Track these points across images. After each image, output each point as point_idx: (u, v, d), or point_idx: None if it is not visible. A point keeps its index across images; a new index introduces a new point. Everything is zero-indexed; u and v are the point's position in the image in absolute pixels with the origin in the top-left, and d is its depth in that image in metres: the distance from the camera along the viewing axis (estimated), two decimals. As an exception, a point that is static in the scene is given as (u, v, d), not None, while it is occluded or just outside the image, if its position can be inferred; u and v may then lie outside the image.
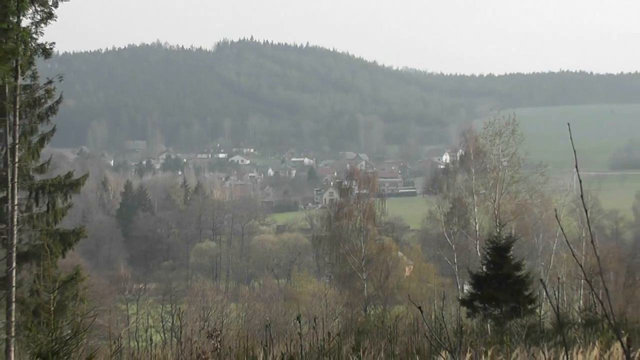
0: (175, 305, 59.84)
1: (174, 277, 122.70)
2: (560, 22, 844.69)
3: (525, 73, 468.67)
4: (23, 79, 49.49)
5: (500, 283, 32.50)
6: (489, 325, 30.38)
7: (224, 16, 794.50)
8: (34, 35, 49.16)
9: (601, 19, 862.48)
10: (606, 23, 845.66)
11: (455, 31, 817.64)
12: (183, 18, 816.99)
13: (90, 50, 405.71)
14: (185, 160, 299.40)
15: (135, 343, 36.97)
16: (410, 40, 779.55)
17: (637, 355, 16.18)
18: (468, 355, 19.04)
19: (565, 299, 49.12)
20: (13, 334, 46.35)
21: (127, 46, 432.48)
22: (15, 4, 47.75)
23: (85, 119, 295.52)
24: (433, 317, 31.54)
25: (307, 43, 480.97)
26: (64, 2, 49.22)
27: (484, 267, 34.86)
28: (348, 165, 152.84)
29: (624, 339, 6.54)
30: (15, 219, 48.05)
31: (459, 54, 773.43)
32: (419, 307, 11.07)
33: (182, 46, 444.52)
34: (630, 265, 78.88)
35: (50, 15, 49.16)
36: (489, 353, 19.01)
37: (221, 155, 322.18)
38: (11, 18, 47.81)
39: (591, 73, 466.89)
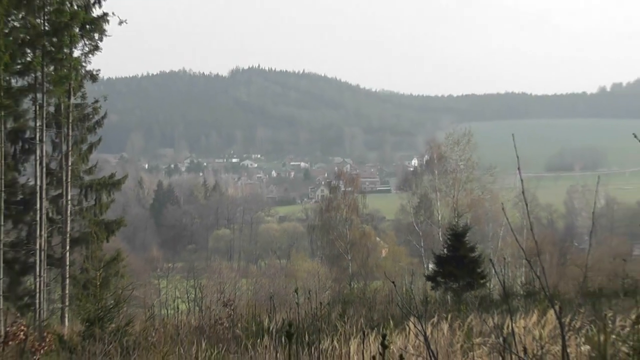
0: (197, 280, 59.63)
1: (196, 257, 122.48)
2: (504, 50, 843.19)
3: (478, 94, 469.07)
4: (75, 98, 49.62)
5: (458, 262, 32.49)
6: (449, 296, 30.35)
7: (237, 48, 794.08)
8: (84, 64, 49.22)
9: (539, 48, 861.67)
10: (542, 52, 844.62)
11: (421, 60, 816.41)
12: (203, 50, 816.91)
13: (129, 76, 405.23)
14: (205, 164, 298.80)
15: (165, 311, 36.79)
16: (386, 67, 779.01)
17: (567, 320, 16.17)
18: (432, 320, 19.00)
19: (509, 275, 49.11)
20: (67, 303, 46.33)
21: (158, 72, 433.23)
22: (69, 38, 47.73)
23: (125, 131, 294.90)
24: (404, 290, 31.44)
25: (304, 69, 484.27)
26: (107, 36, 49.33)
27: (445, 249, 34.85)
28: (336, 167, 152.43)
29: (557, 307, 6.53)
30: (68, 211, 48.12)
31: (425, 78, 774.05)
32: (393, 282, 11.06)
33: (203, 72, 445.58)
34: (562, 248, 79.19)
35: (96, 47, 49.18)
36: (449, 318, 18.96)
37: (234, 160, 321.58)
38: (65, 50, 47.87)
39: (530, 94, 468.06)
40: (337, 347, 16.81)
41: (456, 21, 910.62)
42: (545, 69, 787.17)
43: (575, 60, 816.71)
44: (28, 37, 47.23)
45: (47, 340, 19.65)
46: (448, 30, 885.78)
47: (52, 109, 48.97)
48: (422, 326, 16.38)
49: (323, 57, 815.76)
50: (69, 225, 48.25)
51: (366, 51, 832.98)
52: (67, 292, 47.15)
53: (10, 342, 13.44)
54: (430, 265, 42.92)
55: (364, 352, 15.05)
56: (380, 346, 5.30)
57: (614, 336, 13.34)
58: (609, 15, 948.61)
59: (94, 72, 50.36)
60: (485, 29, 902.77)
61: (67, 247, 47.93)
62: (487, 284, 32.03)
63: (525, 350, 6.53)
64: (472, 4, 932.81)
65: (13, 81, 48.35)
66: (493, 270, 32.35)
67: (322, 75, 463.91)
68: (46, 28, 47.54)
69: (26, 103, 49.53)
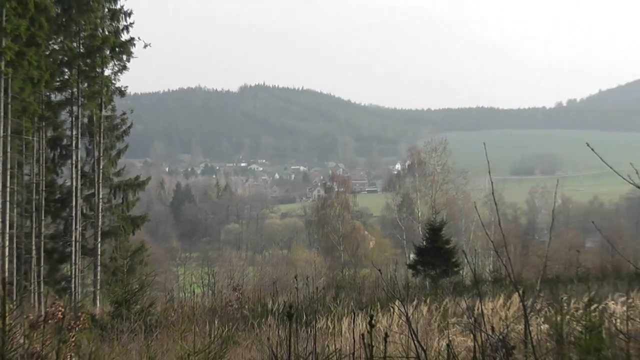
0: (210, 268, 59.24)
1: (210, 248, 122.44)
2: (475, 70, 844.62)
3: (452, 108, 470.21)
4: (105, 111, 49.70)
5: (435, 253, 32.47)
6: (427, 282, 30.31)
7: (245, 68, 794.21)
8: (113, 81, 49.42)
9: (504, 69, 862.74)
10: (507, 72, 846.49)
11: (404, 79, 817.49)
12: (216, 69, 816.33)
13: (152, 91, 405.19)
14: (217, 167, 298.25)
15: (183, 294, 36.65)
16: (373, 84, 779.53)
17: (529, 303, 16.15)
18: (413, 303, 18.96)
19: (479, 264, 48.98)
20: (98, 287, 46.34)
21: (177, 89, 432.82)
22: (101, 59, 47.83)
23: (148, 139, 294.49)
24: (389, 276, 31.32)
25: (303, 86, 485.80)
26: (133, 58, 49.42)
27: (424, 241, 34.85)
28: (330, 171, 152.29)
29: (520, 292, 6.50)
30: (100, 208, 48.18)
31: (407, 94, 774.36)
32: (379, 270, 11.07)
33: (215, 89, 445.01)
34: (525, 241, 79.27)
35: (124, 67, 49.30)
36: (427, 301, 18.94)
37: (242, 164, 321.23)
38: (98, 69, 48.02)
39: (498, 108, 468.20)
40: (331, 325, 16.79)
41: (434, 46, 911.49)
42: (510, 87, 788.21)
43: (535, 79, 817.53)
44: (66, 58, 47.32)
45: (81, 319, 19.57)
46: (427, 54, 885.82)
47: (86, 120, 49.13)
48: (404, 308, 16.33)
49: (319, 75, 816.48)
50: (100, 220, 48.31)
51: (356, 71, 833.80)
52: (98, 277, 47.20)
53: (49, 321, 13.40)
54: (412, 255, 42.99)
55: (354, 330, 15.02)
56: (368, 325, 5.26)
57: (569, 317, 13.31)
58: (564, 43, 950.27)
59: (122, 89, 50.55)
60: (459, 52, 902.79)
61: (99, 239, 48.01)
62: (460, 272, 32.05)
63: (493, 328, 6.49)
64: (448, 33, 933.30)
65: (52, 96, 48.49)
66: (465, 260, 32.29)
67: (319, 91, 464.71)
68: (81, 50, 47.62)
69: (64, 115, 49.72)
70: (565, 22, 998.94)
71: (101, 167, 48.84)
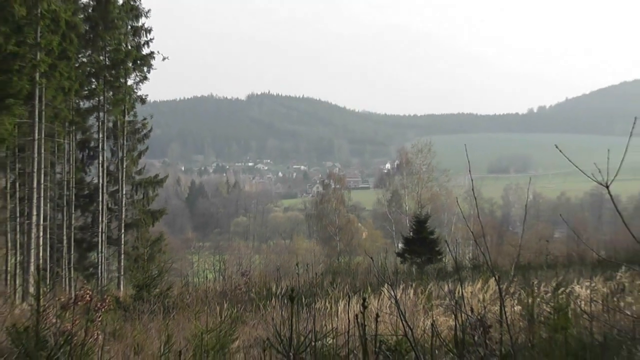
0: (221, 255, 59.33)
1: (221, 238, 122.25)
2: (456, 79, 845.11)
3: (436, 114, 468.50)
4: (128, 117, 49.75)
5: (421, 242, 32.46)
6: (414, 268, 30.30)
7: (252, 78, 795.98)
8: (135, 90, 49.45)
9: (483, 78, 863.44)
10: (485, 81, 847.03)
11: (393, 87, 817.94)
12: (226, 79, 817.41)
13: (169, 99, 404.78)
14: (227, 167, 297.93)
15: (197, 279, 36.67)
16: (366, 93, 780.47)
17: (504, 287, 16.15)
18: (401, 287, 18.95)
19: (460, 252, 48.99)
20: (122, 273, 46.33)
21: (192, 97, 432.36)
22: (124, 71, 47.90)
23: (166, 142, 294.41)
24: (380, 263, 31.28)
25: (303, 94, 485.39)
26: (153, 69, 49.49)
27: (411, 232, 34.82)
28: (327, 170, 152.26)
29: (496, 277, 6.50)
30: (123, 203, 48.18)
31: (396, 101, 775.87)
32: (371, 258, 11.10)
33: (225, 97, 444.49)
34: (500, 232, 79.28)
35: (145, 78, 49.39)
36: (414, 285, 18.92)
37: (250, 164, 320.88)
38: (121, 80, 48.06)
39: (476, 114, 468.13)
40: (328, 307, 16.77)
41: (420, 58, 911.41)
42: (488, 95, 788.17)
43: (509, 88, 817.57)
44: (93, 70, 47.36)
45: (107, 301, 19.57)
46: (413, 65, 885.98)
47: (111, 124, 49.15)
48: (393, 291, 16.31)
49: (318, 84, 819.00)
50: (123, 213, 48.31)
51: (351, 80, 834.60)
52: (122, 264, 47.21)
53: (79, 303, 13.40)
54: (400, 245, 42.93)
55: (349, 311, 14.99)
56: (361, 307, 5.25)
57: (539, 299, 13.31)
58: (536, 55, 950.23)
59: (143, 97, 50.57)
60: (442, 64, 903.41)
61: (122, 230, 48.03)
62: (443, 259, 32.03)
63: (472, 309, 6.48)
64: (433, 47, 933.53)
65: (81, 103, 48.65)
66: (447, 249, 32.33)
67: (317, 99, 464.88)
68: (107, 63, 47.64)
69: (91, 120, 49.81)
70: (537, 36, 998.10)
71: (124, 166, 48.89)
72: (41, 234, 41.90)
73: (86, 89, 47.51)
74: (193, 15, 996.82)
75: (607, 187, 4.44)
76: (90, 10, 46.98)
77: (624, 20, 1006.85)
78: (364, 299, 5.66)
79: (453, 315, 11.50)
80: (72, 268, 45.81)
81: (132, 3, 48.73)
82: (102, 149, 47.99)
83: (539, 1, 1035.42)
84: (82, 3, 46.80)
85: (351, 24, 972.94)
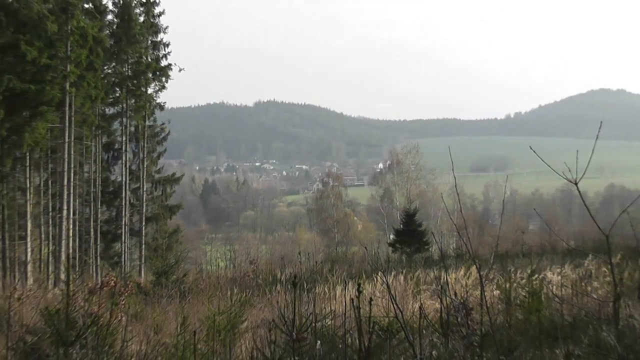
0: (231, 246, 59.27)
1: (231, 230, 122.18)
2: (441, 87, 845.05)
3: (424, 119, 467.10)
4: (148, 122, 49.74)
5: (410, 234, 32.44)
6: (404, 257, 30.29)
7: (259, 87, 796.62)
8: (154, 98, 49.43)
9: (465, 86, 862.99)
10: (467, 89, 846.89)
11: (385, 95, 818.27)
12: (236, 88, 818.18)
13: (185, 106, 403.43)
14: (237, 166, 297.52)
15: (210, 267, 36.68)
16: (361, 100, 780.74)
17: (484, 273, 16.16)
18: (392, 274, 18.95)
19: (445, 243, 48.98)
20: (143, 261, 46.34)
21: (205, 104, 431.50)
22: (145, 81, 47.94)
23: (182, 144, 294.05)
24: (373, 253, 31.27)
25: (305, 102, 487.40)
26: (170, 79, 49.54)
27: (401, 225, 34.78)
28: (326, 169, 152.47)
29: (477, 264, 6.50)
30: (144, 199, 48.17)
31: (388, 107, 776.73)
32: (365, 247, 11.12)
33: (235, 104, 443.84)
34: (481, 224, 79.24)
35: (163, 87, 49.44)
36: (404, 272, 18.93)
37: (257, 164, 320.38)
38: (142, 89, 48.09)
39: (459, 119, 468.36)
40: (327, 291, 16.76)
41: (409, 68, 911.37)
42: (469, 102, 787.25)
43: (489, 96, 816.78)
44: (117, 80, 47.35)
45: (129, 286, 19.58)
46: (404, 75, 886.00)
47: (133, 129, 49.13)
48: (385, 277, 16.30)
49: (318, 92, 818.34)
50: (144, 208, 48.31)
51: (347, 89, 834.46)
52: (143, 253, 47.24)
53: (104, 288, 13.40)
54: (391, 236, 42.98)
55: (345, 295, 15.01)
56: (356, 291, 5.24)
57: (515, 284, 13.31)
58: (512, 65, 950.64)
59: (162, 104, 50.59)
60: (430, 73, 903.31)
61: (143, 223, 48.04)
62: (430, 249, 31.99)
63: (455, 294, 6.47)
64: (420, 58, 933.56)
65: (107, 110, 48.68)
66: (434, 239, 32.27)
67: (317, 105, 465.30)
68: (129, 74, 47.63)
69: (115, 125, 49.77)
70: (514, 48, 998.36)
71: (145, 166, 48.93)
72: (71, 226, 42.02)
73: (111, 97, 47.57)
74: (207, 29, 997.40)
75: (576, 184, 4.44)
76: (114, 27, 47.04)
77: (591, 35, 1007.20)
78: (359, 285, 5.65)
79: (439, 299, 11.50)
80: (98, 257, 45.86)
81: (152, 20, 48.78)
82: (125, 150, 47.98)
83: (516, 17, 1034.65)
84: (108, 20, 46.86)
85: (348, 38, 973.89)
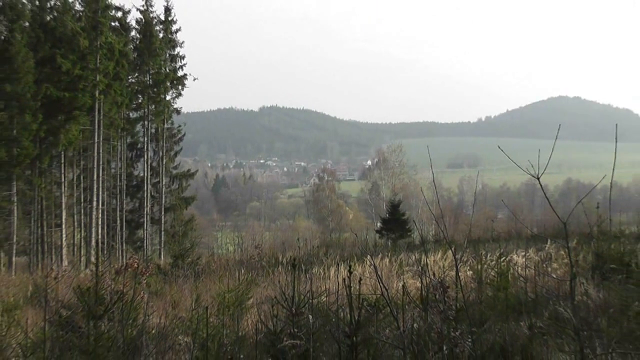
0: (239, 232, 59.23)
1: (239, 219, 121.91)
2: (422, 94, 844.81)
3: (407, 122, 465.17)
4: (167, 124, 49.67)
5: (395, 222, 32.44)
6: (389, 242, 30.30)
7: (263, 93, 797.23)
8: (172, 104, 49.39)
9: (442, 93, 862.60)
10: (445, 96, 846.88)
11: (373, 100, 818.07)
12: (244, 94, 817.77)
13: (199, 111, 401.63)
14: (244, 163, 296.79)
15: (220, 251, 36.69)
16: (352, 105, 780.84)
17: (459, 256, 16.17)
18: (379, 257, 18.94)
19: (425, 230, 49.01)
20: (162, 246, 46.29)
21: (216, 109, 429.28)
22: (163, 89, 47.93)
23: (196, 143, 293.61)
24: (363, 238, 31.29)
25: (303, 107, 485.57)
26: (186, 87, 49.58)
27: (387, 214, 34.77)
28: (322, 166, 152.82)
29: (453, 248, 6.49)
30: (163, 191, 48.14)
31: (375, 112, 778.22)
32: (355, 234, 11.13)
33: (243, 108, 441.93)
34: (456, 214, 79.14)
35: (179, 94, 49.47)
36: (389, 255, 18.92)
37: (261, 161, 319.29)
38: (161, 95, 48.06)
39: (437, 122, 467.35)
40: (322, 272, 16.76)
41: (394, 77, 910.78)
42: (447, 107, 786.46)
43: (463, 101, 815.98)
44: (139, 88, 47.32)
45: (150, 267, 19.55)
46: (389, 83, 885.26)
47: (153, 130, 49.04)
48: (373, 260, 16.31)
49: (314, 98, 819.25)
50: (163, 199, 48.28)
51: (340, 95, 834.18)
52: (162, 239, 47.21)
53: (129, 269, 13.39)
54: (378, 224, 42.98)
55: (338, 275, 15.01)
56: (348, 272, 5.24)
57: (486, 266, 13.33)
58: (483, 73, 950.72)
59: (178, 109, 50.54)
60: (412, 81, 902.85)
61: (162, 213, 48.00)
62: (412, 235, 32.00)
63: (434, 274, 6.47)
64: (405, 68, 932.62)
65: (130, 114, 48.62)
66: (415, 227, 32.29)
67: (314, 110, 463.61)
68: (150, 83, 47.58)
69: (138, 127, 49.68)
70: (485, 59, 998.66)
71: (164, 163, 48.89)
72: (100, 215, 42.06)
73: (134, 103, 47.58)
74: (218, 43, 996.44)
75: (538, 178, 4.45)
76: (137, 42, 47.05)
77: (551, 48, 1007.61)
78: (350, 266, 5.66)
79: (419, 279, 11.51)
80: (123, 242, 45.86)
81: (169, 36, 48.77)
82: (147, 149, 47.99)
83: (486, 33, 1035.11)
84: (132, 36, 46.89)
85: (341, 51, 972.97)
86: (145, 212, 47.18)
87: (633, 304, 6.86)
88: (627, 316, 6.69)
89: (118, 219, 45.56)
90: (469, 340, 5.56)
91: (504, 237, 25.18)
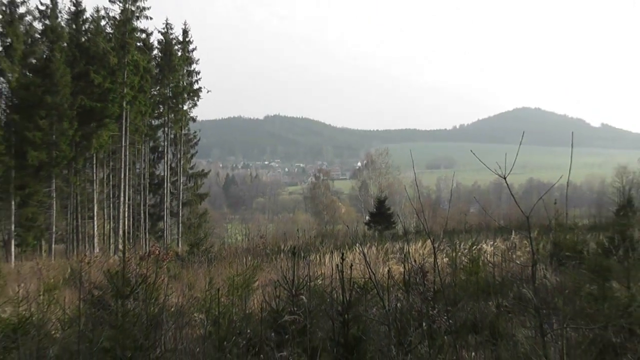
0: (246, 224, 59.23)
1: (246, 213, 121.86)
2: (405, 104, 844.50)
3: (391, 129, 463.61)
4: (184, 131, 49.47)
5: (381, 216, 32.37)
6: (376, 233, 30.29)
7: (267, 103, 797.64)
8: (189, 113, 49.18)
9: (423, 103, 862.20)
10: (425, 106, 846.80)
11: (363, 110, 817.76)
12: (251, 104, 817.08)
13: (212, 119, 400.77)
14: (251, 164, 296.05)
15: (230, 240, 36.73)
16: (345, 113, 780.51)
17: (437, 245, 16.20)
18: (367, 245, 18.95)
19: (407, 222, 49.05)
20: (180, 236, 46.20)
21: (227, 117, 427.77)
22: (181, 100, 47.89)
23: (209, 147, 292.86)
24: (353, 230, 31.29)
25: (302, 115, 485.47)
26: (200, 99, 49.48)
27: (374, 208, 34.74)
28: (318, 167, 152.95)
29: (431, 239, 6.50)
30: (180, 189, 48.07)
31: (364, 120, 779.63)
32: (347, 226, 11.14)
33: (250, 117, 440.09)
34: (434, 208, 79.11)
35: (195, 104, 49.40)
36: (376, 244, 18.94)
37: (266, 162, 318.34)
38: (180, 106, 47.98)
39: (418, 129, 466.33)
40: (318, 259, 16.76)
41: (380, 89, 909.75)
42: (426, 115, 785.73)
43: (439, 111, 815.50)
44: (160, 99, 47.28)
45: (170, 254, 19.56)
46: (378, 93, 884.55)
47: (172, 136, 48.94)
48: (362, 248, 16.29)
49: (312, 108, 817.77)
50: (181, 195, 48.23)
51: (334, 105, 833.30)
52: (180, 230, 47.15)
53: (151, 255, 13.40)
54: (367, 217, 43.01)
55: (332, 261, 15.02)
56: (340, 259, 5.25)
57: (460, 253, 13.36)
58: (457, 86, 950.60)
59: (194, 117, 50.43)
60: (397, 92, 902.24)
61: (180, 207, 47.92)
62: (395, 227, 31.98)
63: (415, 260, 6.48)
64: (391, 80, 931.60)
65: (153, 122, 48.47)
66: (399, 220, 32.30)
67: (311, 118, 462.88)
68: (170, 95, 47.56)
69: (159, 133, 49.54)
70: (459, 74, 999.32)
71: (181, 164, 48.82)
72: (126, 209, 42.07)
73: (156, 112, 47.51)
74: (230, 59, 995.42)
75: (505, 178, 4.46)
76: (159, 60, 46.99)
77: (515, 65, 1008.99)
78: (342, 254, 5.67)
79: (402, 264, 11.52)
80: (146, 232, 45.81)
81: (187, 55, 48.70)
82: (167, 152, 47.93)
83: (458, 51, 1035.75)
84: (154, 54, 46.79)
85: (334, 65, 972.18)
86: (165, 206, 47.15)
87: (584, 286, 6.89)
88: (580, 296, 6.72)
89: (142, 212, 45.55)
90: (445, 317, 5.57)
91: (475, 228, 25.19)
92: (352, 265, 5.33)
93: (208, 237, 25.77)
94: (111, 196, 43.00)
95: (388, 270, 6.65)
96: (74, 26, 39.99)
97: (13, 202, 34.90)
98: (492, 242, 17.70)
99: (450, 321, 5.62)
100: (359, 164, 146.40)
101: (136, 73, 41.44)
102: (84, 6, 40.67)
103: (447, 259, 13.08)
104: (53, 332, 7.43)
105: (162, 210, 47.56)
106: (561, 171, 5.77)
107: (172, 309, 8.39)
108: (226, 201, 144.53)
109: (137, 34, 42.77)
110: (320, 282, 8.77)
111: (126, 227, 42.16)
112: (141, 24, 44.77)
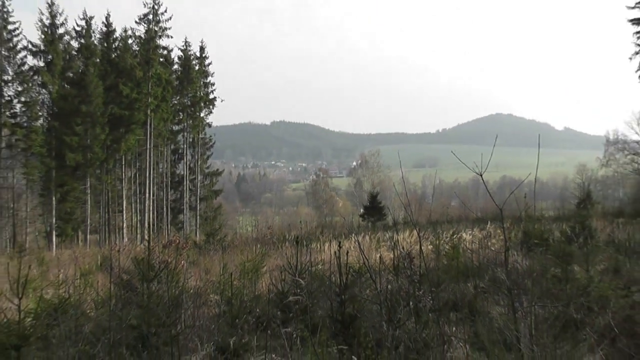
0: (256, 217, 59.24)
1: (256, 206, 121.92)
2: (393, 110, 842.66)
3: (383, 132, 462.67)
4: (201, 135, 49.29)
5: (374, 209, 32.39)
6: (369, 224, 30.27)
7: (274, 110, 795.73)
8: (205, 119, 49.01)
9: (409, 110, 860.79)
10: (412, 112, 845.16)
11: (357, 117, 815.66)
12: (259, 111, 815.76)
13: (225, 124, 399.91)
14: (259, 164, 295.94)
15: (241, 231, 36.74)
16: (341, 118, 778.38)
17: (422, 234, 16.20)
18: (362, 235, 18.94)
19: (396, 214, 49.08)
20: (197, 227, 46.16)
21: (238, 123, 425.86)
22: (199, 108, 47.76)
23: (223, 149, 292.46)
24: (349, 221, 31.31)
25: (304, 121, 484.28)
26: (215, 107, 49.37)
27: (368, 203, 34.71)
28: (319, 166, 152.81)
29: (417, 229, 6.51)
30: (198, 186, 47.92)
31: (359, 125, 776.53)
32: (344, 218, 11.16)
33: (258, 123, 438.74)
34: (420, 202, 79.18)
35: (210, 112, 49.24)
36: (369, 234, 18.94)
37: (272, 163, 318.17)
38: (197, 113, 47.80)
39: (407, 133, 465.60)
40: (319, 247, 16.77)
41: (372, 96, 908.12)
42: (413, 120, 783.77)
43: (425, 116, 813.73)
44: (180, 108, 47.10)
45: (189, 243, 19.57)
46: (371, 100, 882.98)
47: (191, 140, 48.79)
48: (357, 237, 16.28)
49: (313, 114, 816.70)
50: (198, 192, 48.11)
51: (332, 111, 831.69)
52: (197, 222, 47.06)
53: (172, 244, 13.43)
54: (361, 210, 42.97)
55: (331, 249, 15.02)
56: (338, 247, 5.26)
57: (442, 241, 13.37)
58: (439, 93, 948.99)
59: (210, 123, 50.25)
60: (387, 100, 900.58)
61: (198, 202, 47.83)
62: (386, 219, 31.97)
63: (403, 248, 6.49)
64: (381, 88, 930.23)
65: (174, 127, 48.26)
66: (389, 212, 32.28)
67: (313, 124, 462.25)
68: (188, 103, 47.42)
69: (179, 137, 49.36)
70: (441, 83, 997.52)
71: (199, 164, 48.72)
72: (151, 204, 42.10)
73: (176, 119, 47.38)
74: (241, 72, 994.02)
75: (481, 175, 4.47)
76: (179, 73, 46.85)
77: (490, 74, 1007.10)
78: (340, 242, 5.70)
79: (392, 251, 11.53)
80: (168, 224, 45.79)
81: (203, 68, 48.58)
82: (186, 154, 47.88)
83: (442, 59, 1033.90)
84: (175, 69, 46.68)
85: (330, 77, 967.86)
86: (184, 201, 47.11)
87: (550, 269, 6.90)
88: (546, 278, 6.75)
89: (164, 206, 45.55)
90: (430, 297, 5.59)
91: (456, 219, 25.21)
92: (348, 252, 5.34)
93: (222, 228, 25.80)
94: (138, 192, 43.07)
95: (379, 257, 6.67)
96: (105, 44, 40.28)
97: (54, 198, 35.36)
98: (470, 232, 17.71)
99: (434, 301, 5.64)
100: (354, 163, 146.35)
101: (159, 85, 41.49)
102: (114, 27, 40.87)
103: (431, 246, 13.08)
104: (88, 311, 7.46)
105: (182, 205, 47.53)
106: (530, 169, 5.78)
107: (191, 291, 8.41)
108: (238, 196, 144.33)
109: (159, 50, 42.77)
110: (320, 267, 8.78)
111: (151, 220, 42.22)
112: (163, 42, 44.69)
